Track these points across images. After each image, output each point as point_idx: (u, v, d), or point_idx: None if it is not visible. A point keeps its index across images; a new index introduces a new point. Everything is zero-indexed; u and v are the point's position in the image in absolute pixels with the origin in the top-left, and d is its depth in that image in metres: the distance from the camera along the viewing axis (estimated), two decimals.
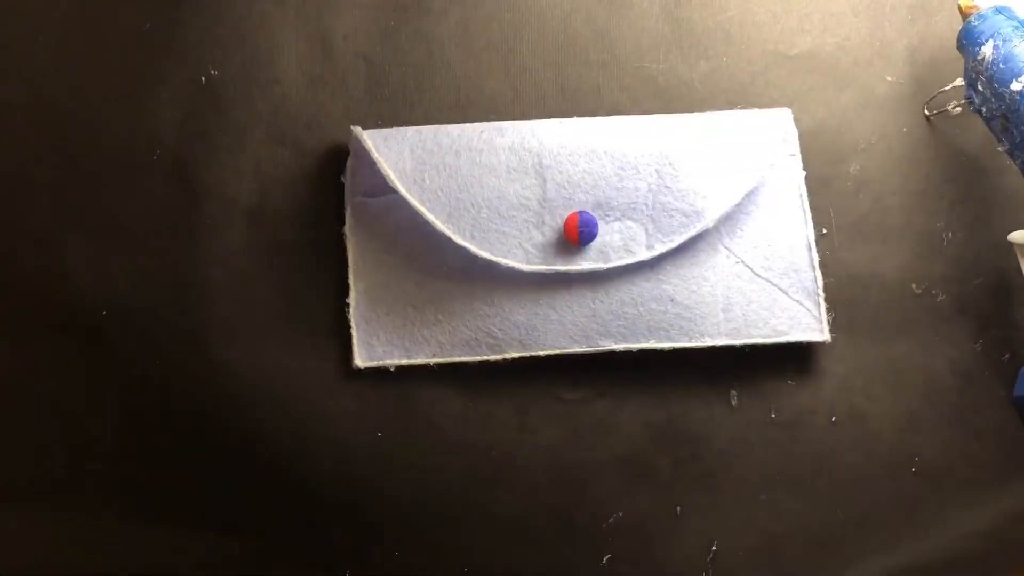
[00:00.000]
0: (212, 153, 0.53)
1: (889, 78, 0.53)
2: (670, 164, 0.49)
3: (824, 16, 0.54)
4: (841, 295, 0.51)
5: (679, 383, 0.51)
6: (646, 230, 0.49)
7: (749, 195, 0.50)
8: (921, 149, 0.52)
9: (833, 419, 0.51)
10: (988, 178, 0.52)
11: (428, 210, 0.49)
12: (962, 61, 0.49)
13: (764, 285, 0.50)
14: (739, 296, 0.50)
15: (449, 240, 0.49)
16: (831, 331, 0.50)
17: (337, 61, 0.53)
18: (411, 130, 0.51)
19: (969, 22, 0.48)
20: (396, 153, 0.50)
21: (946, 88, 0.51)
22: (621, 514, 0.50)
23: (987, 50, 0.47)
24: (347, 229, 0.51)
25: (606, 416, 0.50)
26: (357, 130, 0.50)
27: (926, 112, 0.53)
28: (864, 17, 0.54)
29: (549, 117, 0.53)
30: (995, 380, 0.48)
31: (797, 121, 0.53)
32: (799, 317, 0.50)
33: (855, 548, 0.49)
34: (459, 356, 0.50)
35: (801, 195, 0.51)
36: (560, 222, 0.50)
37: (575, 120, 0.51)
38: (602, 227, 0.50)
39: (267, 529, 0.49)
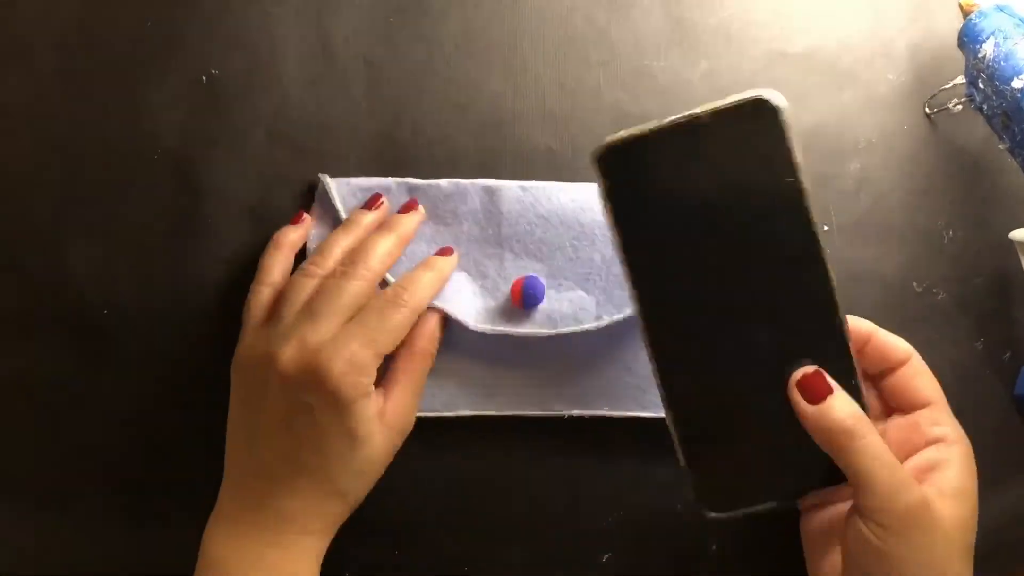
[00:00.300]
0: (212, 153, 0.53)
1: (890, 76, 0.53)
2: None
3: (825, 14, 0.54)
4: (842, 294, 0.51)
5: None
6: (597, 301, 0.49)
7: None
8: (922, 147, 0.52)
9: None
10: (989, 176, 0.52)
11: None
12: (963, 59, 0.49)
13: None
14: None
15: None
16: None
17: (337, 61, 0.54)
18: (377, 183, 0.52)
19: (970, 20, 0.48)
20: (360, 206, 0.51)
21: (947, 86, 0.51)
22: (621, 514, 0.50)
23: (988, 48, 0.46)
24: None
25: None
26: (324, 178, 0.51)
27: (927, 110, 0.53)
28: (865, 15, 0.54)
29: (549, 116, 0.53)
30: (996, 379, 0.48)
31: (798, 119, 0.53)
32: None
33: None
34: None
35: None
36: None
37: (536, 186, 0.51)
38: (554, 296, 0.50)
39: None
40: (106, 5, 0.54)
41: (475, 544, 0.50)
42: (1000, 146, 0.48)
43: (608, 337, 0.50)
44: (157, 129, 0.53)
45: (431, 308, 0.49)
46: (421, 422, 0.49)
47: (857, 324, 0.45)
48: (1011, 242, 0.49)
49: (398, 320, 0.45)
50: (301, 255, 0.51)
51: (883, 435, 0.41)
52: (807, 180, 0.41)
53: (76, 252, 0.52)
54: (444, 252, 0.50)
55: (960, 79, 0.50)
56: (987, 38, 0.47)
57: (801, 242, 0.42)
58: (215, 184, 0.52)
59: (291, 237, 0.50)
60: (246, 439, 0.46)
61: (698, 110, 0.41)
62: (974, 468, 0.43)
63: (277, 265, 0.50)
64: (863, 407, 0.42)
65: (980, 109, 0.48)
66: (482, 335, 0.49)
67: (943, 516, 0.40)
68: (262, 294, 0.49)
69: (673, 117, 0.42)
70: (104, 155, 0.53)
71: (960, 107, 0.51)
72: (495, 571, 0.50)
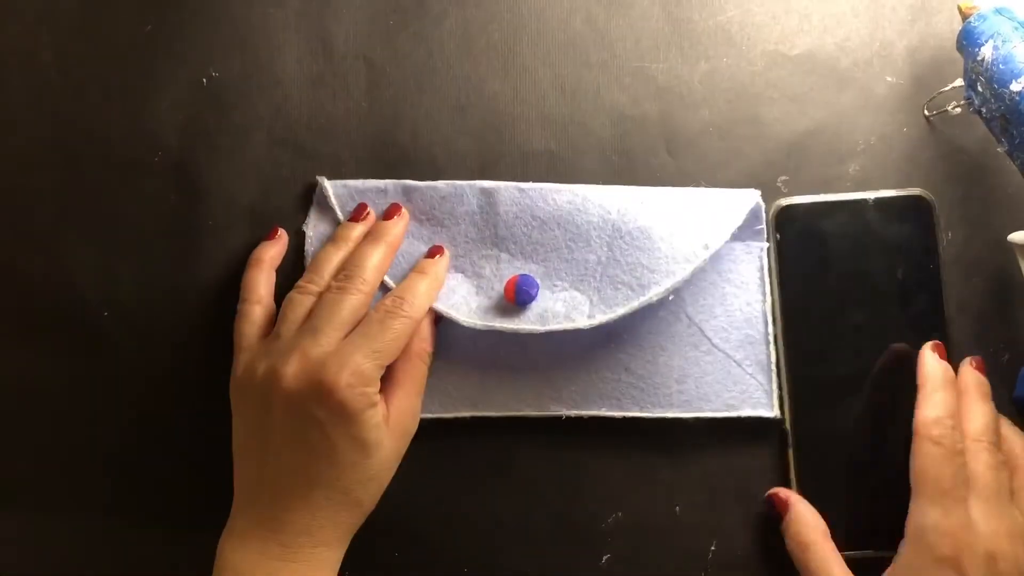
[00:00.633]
0: (213, 154, 0.53)
1: (889, 78, 0.53)
2: (622, 238, 0.49)
3: (824, 17, 0.54)
4: None
5: None
6: (590, 301, 0.49)
7: (713, 264, 0.50)
8: (921, 149, 0.52)
9: None
10: (988, 179, 0.52)
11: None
12: (962, 62, 0.49)
13: (720, 357, 0.50)
14: (694, 367, 0.50)
15: None
16: None
17: (337, 62, 0.54)
18: (375, 186, 0.52)
19: (969, 23, 0.48)
20: (348, 218, 0.51)
21: (946, 89, 0.51)
22: (621, 514, 0.50)
23: (987, 51, 0.46)
24: None
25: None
26: (322, 180, 0.51)
27: (926, 113, 0.53)
28: (864, 18, 0.54)
29: (549, 118, 0.53)
30: (995, 381, 0.48)
31: (796, 121, 0.53)
32: (750, 391, 0.50)
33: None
34: None
35: (762, 268, 0.51)
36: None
37: (534, 187, 0.51)
38: (548, 296, 0.50)
39: None
40: (106, 6, 0.54)
41: (475, 544, 0.50)
42: (999, 149, 0.48)
43: (606, 338, 0.50)
44: (157, 130, 0.53)
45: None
46: (420, 423, 0.49)
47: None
48: (1010, 244, 0.49)
49: (399, 329, 0.46)
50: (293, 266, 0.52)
51: None
52: (945, 271, 0.50)
53: (76, 253, 0.52)
54: (434, 252, 0.50)
55: (959, 82, 0.50)
56: (986, 41, 0.47)
57: (932, 322, 0.50)
58: (215, 185, 0.52)
59: (270, 253, 0.51)
60: (256, 458, 0.46)
61: (868, 195, 0.51)
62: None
63: (261, 282, 0.50)
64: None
65: (979, 112, 0.48)
66: (478, 335, 0.50)
67: None
68: (252, 313, 0.49)
69: (843, 195, 0.51)
70: (104, 157, 0.53)
71: (959, 110, 0.51)
72: (495, 571, 0.50)
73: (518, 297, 0.49)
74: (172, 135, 0.53)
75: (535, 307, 0.50)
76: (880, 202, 0.51)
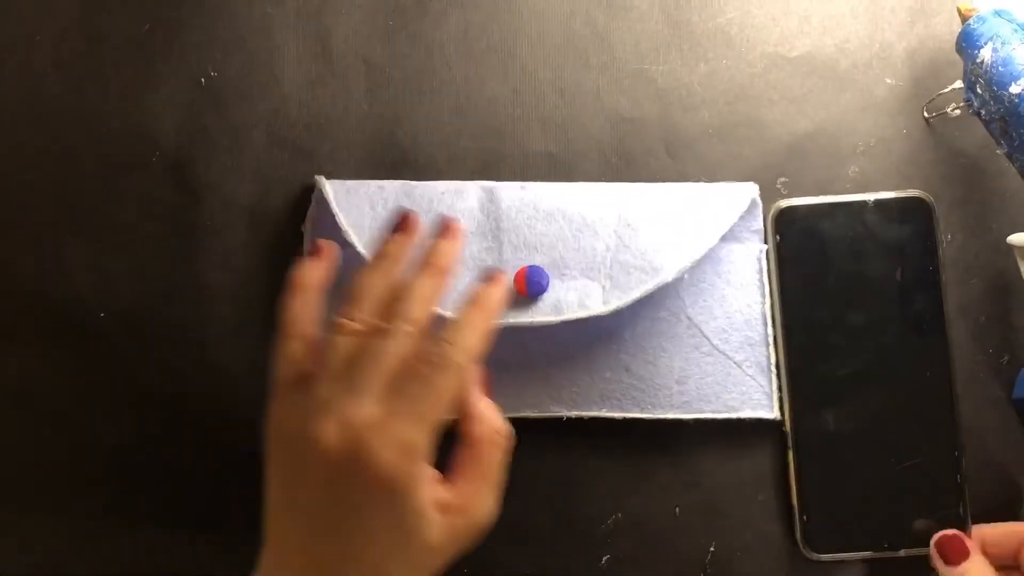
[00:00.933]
0: (212, 154, 0.53)
1: (888, 80, 0.53)
2: (629, 226, 0.49)
3: (823, 18, 0.54)
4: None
5: None
6: (603, 288, 0.49)
7: (712, 265, 0.51)
8: (920, 151, 0.53)
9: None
10: (987, 181, 0.52)
11: None
12: (961, 64, 0.49)
13: (720, 358, 0.50)
14: (695, 368, 0.50)
15: None
16: None
17: (337, 62, 0.54)
18: (374, 185, 0.51)
19: (968, 25, 0.48)
20: (357, 208, 0.50)
21: (945, 91, 0.51)
22: (621, 514, 0.50)
23: (986, 53, 0.47)
24: None
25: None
26: (321, 179, 0.51)
27: (925, 114, 0.53)
28: (863, 19, 0.54)
29: (548, 120, 0.53)
30: (995, 382, 0.48)
31: (796, 123, 0.53)
32: (750, 393, 0.50)
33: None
34: None
35: (760, 269, 0.51)
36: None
37: (535, 184, 0.51)
38: (558, 285, 0.49)
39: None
40: (105, 5, 0.54)
41: (475, 544, 0.50)
42: (998, 151, 0.48)
43: (607, 338, 0.50)
44: (155, 130, 0.53)
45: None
46: None
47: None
48: (1009, 246, 0.49)
49: (445, 385, 0.39)
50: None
51: None
52: (945, 272, 0.50)
53: (73, 254, 0.52)
54: (492, 279, 0.43)
55: (958, 84, 0.50)
56: (985, 43, 0.47)
57: (931, 323, 0.50)
58: (213, 185, 0.52)
59: (315, 277, 0.44)
60: (289, 524, 0.40)
61: (867, 197, 0.51)
62: None
63: (304, 313, 0.43)
64: (965, 505, 0.48)
65: (978, 114, 0.48)
66: None
67: None
68: (292, 350, 0.42)
69: (843, 197, 0.51)
70: (102, 156, 0.52)
71: (958, 112, 0.51)
72: (495, 571, 0.50)
73: (529, 288, 0.49)
74: (170, 135, 0.53)
75: (547, 298, 0.49)
76: (879, 204, 0.51)
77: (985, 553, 0.46)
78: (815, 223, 0.51)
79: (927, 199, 0.51)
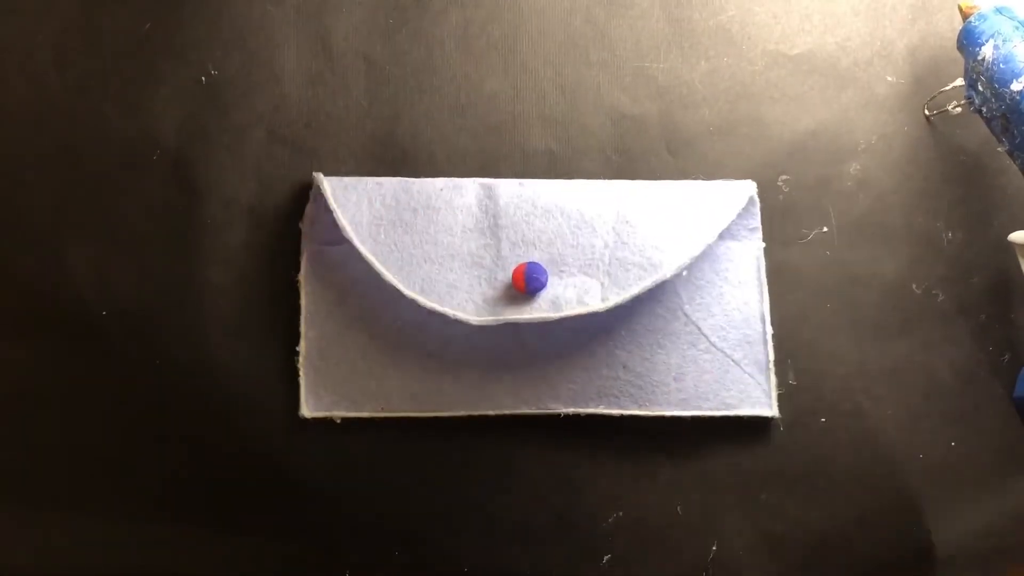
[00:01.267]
0: (212, 153, 0.53)
1: (889, 78, 0.53)
2: (627, 223, 0.50)
3: (825, 16, 0.54)
4: (842, 295, 0.51)
5: None
6: (601, 284, 0.49)
7: (710, 263, 0.51)
8: (921, 149, 0.52)
9: (833, 419, 0.51)
10: (988, 178, 0.52)
11: (380, 263, 0.49)
12: (962, 61, 0.49)
13: (718, 356, 0.50)
14: (692, 366, 0.50)
15: (401, 293, 0.49)
16: (832, 332, 0.50)
17: (337, 61, 0.53)
18: (372, 181, 0.51)
19: (969, 22, 0.48)
20: (355, 204, 0.50)
21: (946, 88, 0.51)
22: (621, 514, 0.50)
23: (987, 50, 0.47)
24: (302, 276, 0.51)
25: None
26: (319, 176, 0.51)
27: (926, 112, 0.53)
28: (864, 17, 0.54)
29: (549, 117, 0.53)
30: (995, 380, 0.48)
31: (798, 121, 0.53)
32: (749, 391, 0.50)
33: (854, 548, 0.50)
34: (407, 411, 0.50)
35: (759, 268, 0.51)
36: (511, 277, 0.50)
37: (533, 182, 0.51)
38: (556, 282, 0.49)
39: (267, 529, 0.49)
40: (106, 5, 0.54)
41: (475, 544, 0.50)
42: (999, 148, 0.48)
43: (605, 335, 0.50)
44: (156, 129, 0.53)
45: (435, 314, 0.48)
46: (420, 422, 0.49)
47: None
48: (1010, 244, 0.49)
49: None
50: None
51: None
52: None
53: (75, 253, 0.52)
54: None
55: (959, 81, 0.50)
56: (986, 41, 0.47)
57: None
58: (214, 184, 0.52)
59: None
60: None
61: None
62: None
63: None
64: None
65: (979, 111, 0.48)
66: (475, 333, 0.49)
67: None
68: None
69: None
70: (103, 155, 0.52)
71: (959, 109, 0.51)
72: (495, 571, 0.50)
73: (528, 285, 0.49)
74: (171, 133, 0.53)
75: (545, 295, 0.49)
76: None
77: None
78: None
79: None
